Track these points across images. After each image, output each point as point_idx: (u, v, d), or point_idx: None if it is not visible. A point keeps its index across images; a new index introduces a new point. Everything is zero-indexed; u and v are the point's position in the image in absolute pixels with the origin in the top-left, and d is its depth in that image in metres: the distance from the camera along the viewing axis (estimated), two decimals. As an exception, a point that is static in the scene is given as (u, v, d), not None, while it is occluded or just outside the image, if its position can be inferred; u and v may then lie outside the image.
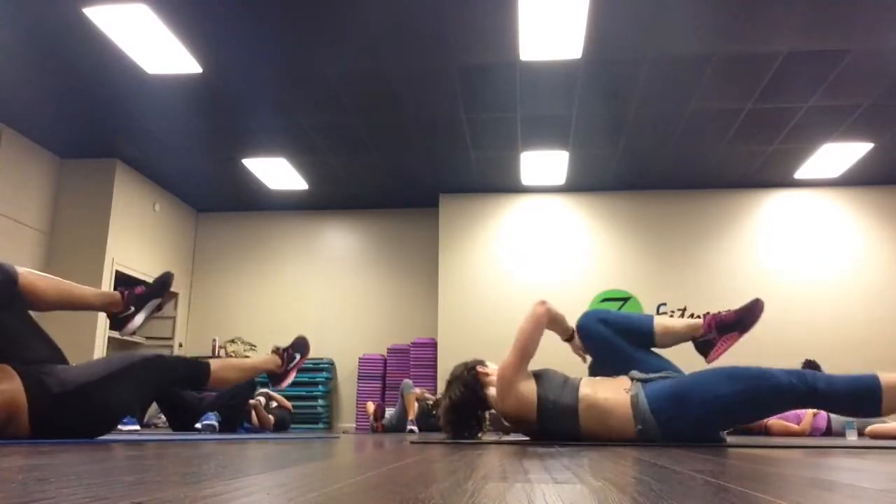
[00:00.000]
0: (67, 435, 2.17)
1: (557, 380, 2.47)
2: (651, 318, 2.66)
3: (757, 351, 6.29)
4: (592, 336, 2.64)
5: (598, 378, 2.57)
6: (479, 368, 2.65)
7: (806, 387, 2.16)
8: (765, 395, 2.21)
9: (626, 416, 2.31)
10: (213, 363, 2.57)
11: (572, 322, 2.71)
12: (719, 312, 2.58)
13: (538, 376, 2.48)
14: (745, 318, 2.53)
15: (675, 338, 2.61)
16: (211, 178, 7.15)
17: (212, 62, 4.78)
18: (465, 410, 2.65)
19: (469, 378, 2.64)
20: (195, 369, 2.52)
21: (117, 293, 2.51)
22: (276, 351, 2.86)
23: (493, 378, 2.57)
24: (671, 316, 6.63)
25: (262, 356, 2.86)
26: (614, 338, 2.59)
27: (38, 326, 2.28)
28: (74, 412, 2.17)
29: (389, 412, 6.17)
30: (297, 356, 2.86)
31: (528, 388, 2.42)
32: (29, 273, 2.28)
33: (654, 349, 2.60)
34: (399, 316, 7.82)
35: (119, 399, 2.25)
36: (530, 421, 2.41)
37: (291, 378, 2.83)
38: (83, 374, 2.19)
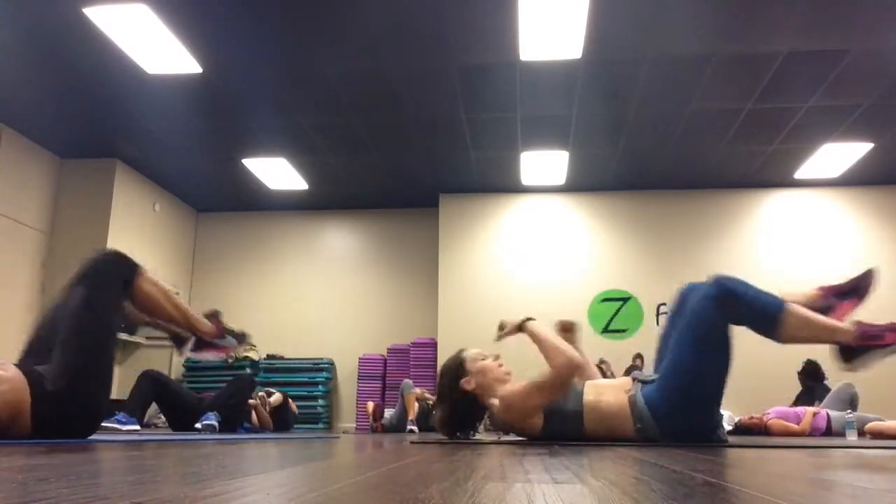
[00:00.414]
0: (67, 434, 2.17)
1: None
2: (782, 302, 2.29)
3: (757, 351, 6.29)
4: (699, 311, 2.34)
5: (601, 382, 2.57)
6: (465, 386, 2.52)
7: (725, 290, 2.26)
8: (712, 328, 2.25)
9: (626, 417, 2.33)
10: (147, 275, 2.38)
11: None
12: (831, 285, 2.53)
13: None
14: (859, 284, 2.53)
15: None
16: (211, 178, 7.15)
17: (212, 62, 4.78)
18: (461, 421, 2.63)
19: (457, 396, 2.55)
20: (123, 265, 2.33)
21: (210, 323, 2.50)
22: (215, 316, 2.57)
23: (489, 387, 2.51)
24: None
25: (198, 314, 2.53)
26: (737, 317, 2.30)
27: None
28: (66, 409, 2.11)
29: (388, 412, 6.17)
30: (232, 341, 2.57)
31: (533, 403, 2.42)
32: (152, 274, 2.34)
33: None
34: (399, 316, 7.82)
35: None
36: (535, 428, 2.42)
37: (207, 355, 2.51)
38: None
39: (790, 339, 2.23)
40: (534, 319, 2.55)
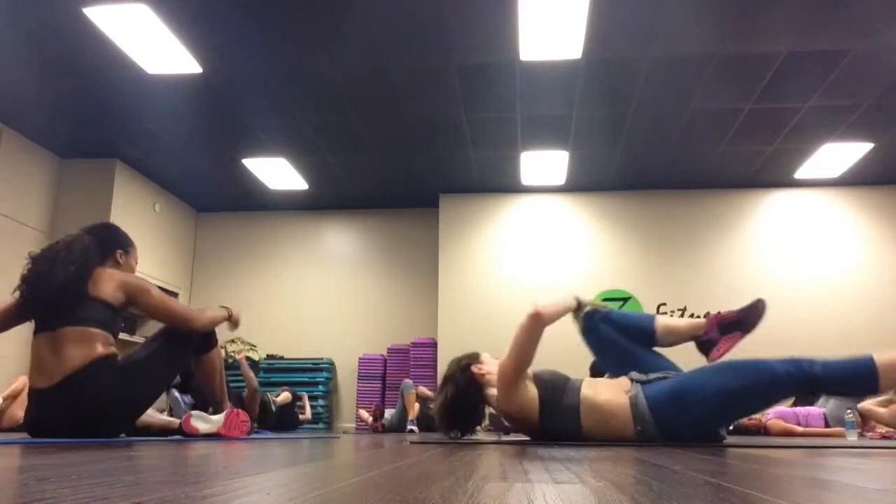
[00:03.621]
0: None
1: (559, 381, 2.46)
2: (652, 317, 2.65)
3: (756, 351, 6.29)
4: (595, 334, 2.64)
5: (599, 379, 2.57)
6: (475, 369, 2.61)
7: (802, 373, 2.17)
8: (763, 385, 2.22)
9: (626, 418, 2.31)
10: (218, 349, 2.92)
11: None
12: (720, 312, 2.57)
13: (539, 378, 2.47)
14: (747, 317, 2.52)
15: (677, 337, 2.60)
16: (211, 178, 7.15)
17: (212, 62, 4.78)
18: (461, 411, 2.63)
19: (463, 380, 2.59)
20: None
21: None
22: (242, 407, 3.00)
23: (492, 377, 2.55)
24: (672, 315, 6.63)
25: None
26: (616, 336, 2.58)
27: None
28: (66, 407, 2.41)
29: (388, 412, 6.17)
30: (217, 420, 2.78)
31: (530, 390, 2.42)
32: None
33: (655, 348, 2.60)
34: (399, 316, 7.81)
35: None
36: (532, 421, 2.41)
37: (203, 427, 2.74)
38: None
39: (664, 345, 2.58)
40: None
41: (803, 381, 2.18)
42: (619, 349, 2.57)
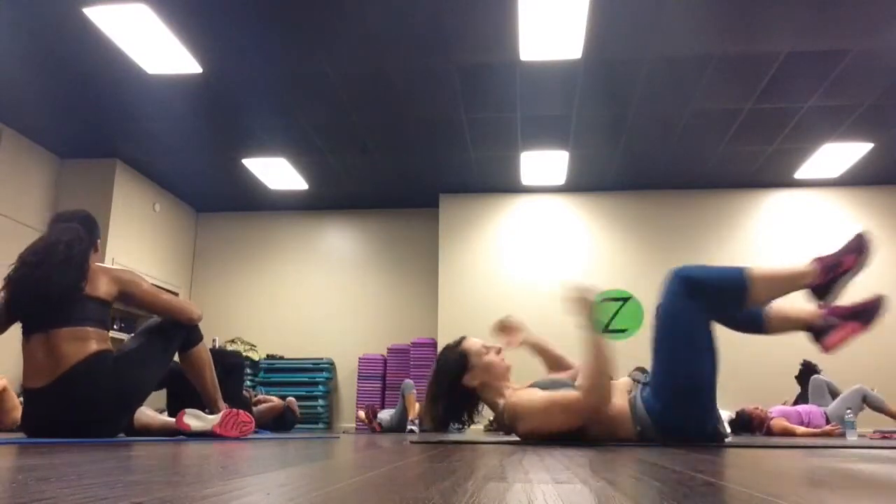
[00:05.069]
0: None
1: (563, 390, 2.43)
2: (760, 310, 2.33)
3: (756, 351, 6.30)
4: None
5: None
6: (469, 383, 2.39)
7: (681, 281, 2.24)
8: (683, 320, 2.24)
9: (627, 420, 2.31)
10: (204, 345, 2.88)
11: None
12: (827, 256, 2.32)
13: (543, 391, 2.40)
14: (866, 309, 2.31)
15: (790, 324, 2.33)
16: (211, 178, 7.15)
17: (212, 62, 4.78)
18: (458, 413, 2.49)
19: (458, 392, 2.41)
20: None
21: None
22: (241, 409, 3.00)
23: (494, 384, 2.41)
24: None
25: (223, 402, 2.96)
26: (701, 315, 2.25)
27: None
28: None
29: (383, 413, 6.17)
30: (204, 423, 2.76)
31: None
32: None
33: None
34: (399, 316, 7.82)
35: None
36: (539, 433, 2.39)
37: (196, 424, 2.73)
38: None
39: (761, 302, 2.27)
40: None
41: (683, 287, 2.22)
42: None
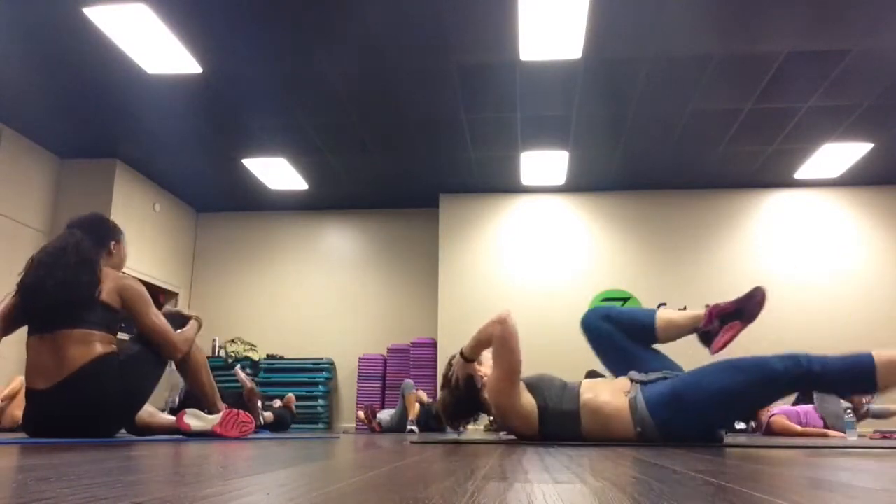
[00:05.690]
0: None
1: (555, 386, 2.43)
2: (653, 312, 2.62)
3: (756, 350, 6.29)
4: (596, 334, 2.62)
5: (598, 380, 2.56)
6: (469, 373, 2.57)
7: (801, 370, 2.16)
8: (762, 384, 2.21)
9: (626, 419, 2.31)
10: (199, 349, 2.91)
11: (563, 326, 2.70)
12: (719, 303, 2.53)
13: (534, 387, 2.43)
14: (745, 306, 2.47)
15: (677, 331, 2.57)
16: (211, 178, 7.15)
17: (212, 62, 4.78)
18: (462, 409, 2.63)
19: (463, 385, 2.57)
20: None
21: None
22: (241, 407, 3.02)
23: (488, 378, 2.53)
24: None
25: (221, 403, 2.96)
26: (617, 335, 2.57)
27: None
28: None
29: (383, 413, 6.17)
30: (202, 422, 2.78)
31: (527, 403, 2.39)
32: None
33: (655, 346, 2.58)
34: (399, 316, 7.81)
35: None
36: (531, 429, 2.40)
37: (197, 424, 2.75)
38: None
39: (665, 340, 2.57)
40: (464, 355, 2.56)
41: (802, 378, 2.17)
42: (620, 348, 2.56)
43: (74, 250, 2.49)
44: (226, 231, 8.18)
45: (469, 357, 2.54)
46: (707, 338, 2.52)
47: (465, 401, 2.57)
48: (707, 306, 2.56)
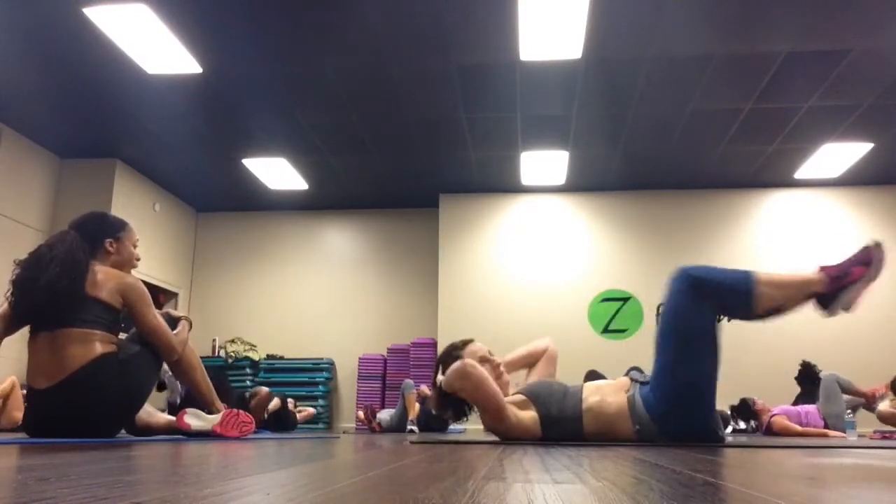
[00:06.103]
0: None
1: (556, 393, 2.42)
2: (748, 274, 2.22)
3: (756, 351, 6.31)
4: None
5: (601, 383, 2.56)
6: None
7: (687, 278, 2.21)
8: (686, 321, 2.22)
9: (625, 418, 2.31)
10: (193, 350, 2.86)
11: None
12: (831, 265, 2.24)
13: (534, 398, 2.42)
14: (865, 259, 2.23)
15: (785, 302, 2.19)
16: (211, 178, 7.15)
17: (212, 62, 4.78)
18: (451, 408, 2.62)
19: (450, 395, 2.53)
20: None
21: None
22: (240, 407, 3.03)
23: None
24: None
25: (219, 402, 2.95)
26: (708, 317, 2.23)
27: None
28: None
29: (383, 413, 6.18)
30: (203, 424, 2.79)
31: (526, 417, 2.39)
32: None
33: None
34: (399, 316, 7.82)
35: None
36: (535, 437, 2.40)
37: (196, 423, 2.77)
38: None
39: (767, 308, 2.18)
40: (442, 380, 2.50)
41: (689, 287, 2.19)
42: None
43: (61, 250, 2.47)
44: (226, 231, 8.18)
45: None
46: (826, 301, 2.23)
47: (451, 403, 2.58)
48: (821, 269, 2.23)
